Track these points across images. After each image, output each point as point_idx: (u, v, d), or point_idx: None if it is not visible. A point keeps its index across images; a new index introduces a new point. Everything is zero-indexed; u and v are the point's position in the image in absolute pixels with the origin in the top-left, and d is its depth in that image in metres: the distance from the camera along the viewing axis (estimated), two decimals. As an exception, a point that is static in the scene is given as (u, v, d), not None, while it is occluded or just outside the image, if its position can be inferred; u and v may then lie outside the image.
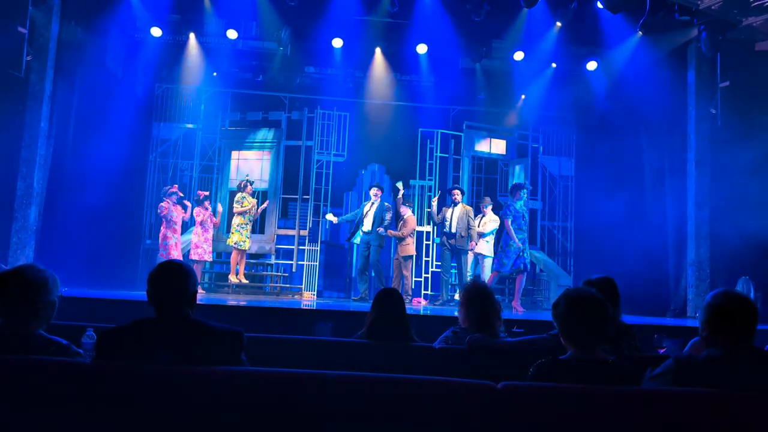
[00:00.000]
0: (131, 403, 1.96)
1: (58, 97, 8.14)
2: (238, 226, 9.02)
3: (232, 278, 9.11)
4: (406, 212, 8.92)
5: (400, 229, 8.85)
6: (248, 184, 9.25)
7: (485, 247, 8.75)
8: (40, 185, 7.95)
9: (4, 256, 7.56)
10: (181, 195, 9.09)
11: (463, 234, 8.59)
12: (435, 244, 10.67)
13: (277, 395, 1.99)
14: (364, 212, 8.94)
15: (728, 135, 8.07)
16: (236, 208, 9.10)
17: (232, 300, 7.26)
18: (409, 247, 8.84)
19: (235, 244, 9.00)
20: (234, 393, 1.98)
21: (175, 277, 2.27)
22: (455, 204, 8.78)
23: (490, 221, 8.85)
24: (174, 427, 1.96)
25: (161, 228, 8.77)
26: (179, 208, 8.91)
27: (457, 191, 8.87)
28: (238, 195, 9.18)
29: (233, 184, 10.44)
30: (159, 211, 8.78)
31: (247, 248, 9.14)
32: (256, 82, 10.67)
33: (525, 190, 8.52)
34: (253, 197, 9.33)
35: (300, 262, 10.48)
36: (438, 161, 10.80)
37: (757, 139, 7.61)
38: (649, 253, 8.40)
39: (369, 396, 2.00)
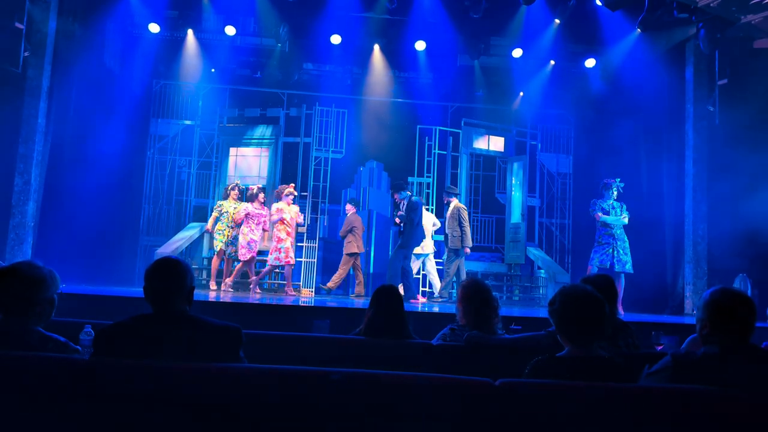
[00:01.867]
0: (129, 399, 1.96)
1: (56, 93, 8.12)
2: (216, 232, 8.69)
3: (212, 284, 8.76)
4: (349, 211, 9.10)
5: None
6: (235, 187, 8.90)
7: (427, 243, 8.72)
8: (38, 181, 7.94)
9: (2, 252, 7.55)
10: (296, 194, 8.81)
11: (455, 233, 8.49)
12: (434, 242, 10.67)
13: (275, 392, 1.99)
14: None
15: (726, 133, 8.08)
16: (214, 214, 8.84)
17: (230, 297, 7.26)
18: (350, 245, 8.90)
19: (213, 247, 8.76)
20: (232, 390, 1.98)
21: (172, 273, 2.26)
22: (448, 204, 8.72)
23: (429, 222, 8.90)
24: (172, 424, 1.96)
25: (274, 230, 8.42)
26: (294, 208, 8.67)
27: (446, 197, 8.80)
28: (219, 201, 8.96)
29: (231, 180, 10.43)
30: (276, 214, 8.41)
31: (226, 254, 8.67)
32: (254, 79, 10.66)
33: (614, 186, 7.66)
34: (241, 201, 8.91)
35: (298, 259, 10.46)
36: (436, 158, 10.79)
37: (755, 137, 7.61)
38: (647, 250, 8.41)
39: (367, 393, 2.00)
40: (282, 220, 8.45)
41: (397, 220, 8.56)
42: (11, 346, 2.13)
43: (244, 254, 8.47)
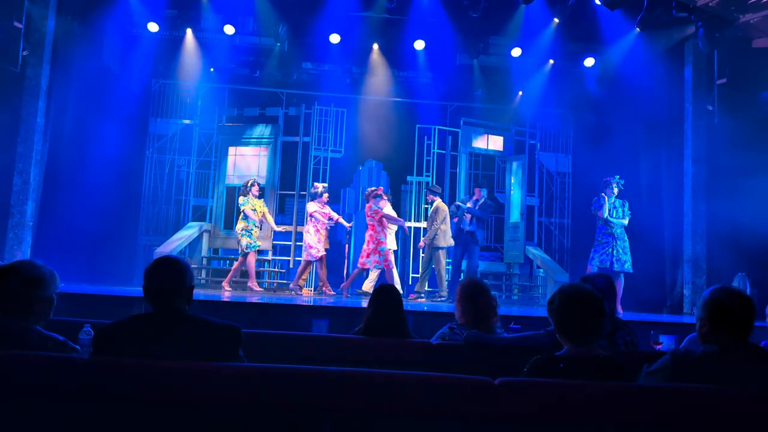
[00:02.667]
0: (128, 399, 1.96)
1: (55, 92, 8.12)
2: (242, 230, 8.36)
3: (254, 285, 8.51)
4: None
5: None
6: (254, 183, 8.55)
7: (390, 240, 8.76)
8: (37, 181, 7.94)
9: (1, 252, 7.55)
10: (386, 198, 8.64)
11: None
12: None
13: (275, 391, 1.99)
14: None
15: (725, 132, 8.07)
16: (248, 211, 8.39)
17: (229, 296, 7.26)
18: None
19: (246, 248, 8.33)
20: (232, 389, 1.98)
21: (172, 272, 2.26)
22: (431, 203, 8.76)
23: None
24: (172, 424, 1.96)
25: (371, 233, 8.26)
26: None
27: (429, 195, 8.87)
28: (242, 198, 8.45)
29: (230, 180, 10.43)
30: (373, 215, 8.20)
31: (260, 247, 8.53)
32: (253, 78, 10.63)
33: (614, 183, 7.62)
34: (259, 198, 8.69)
35: (297, 258, 10.46)
36: (435, 157, 10.79)
37: (754, 136, 7.62)
38: (646, 249, 8.42)
39: (366, 392, 2.00)
40: (381, 221, 8.29)
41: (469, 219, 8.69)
42: (10, 346, 2.12)
43: (314, 254, 8.34)
